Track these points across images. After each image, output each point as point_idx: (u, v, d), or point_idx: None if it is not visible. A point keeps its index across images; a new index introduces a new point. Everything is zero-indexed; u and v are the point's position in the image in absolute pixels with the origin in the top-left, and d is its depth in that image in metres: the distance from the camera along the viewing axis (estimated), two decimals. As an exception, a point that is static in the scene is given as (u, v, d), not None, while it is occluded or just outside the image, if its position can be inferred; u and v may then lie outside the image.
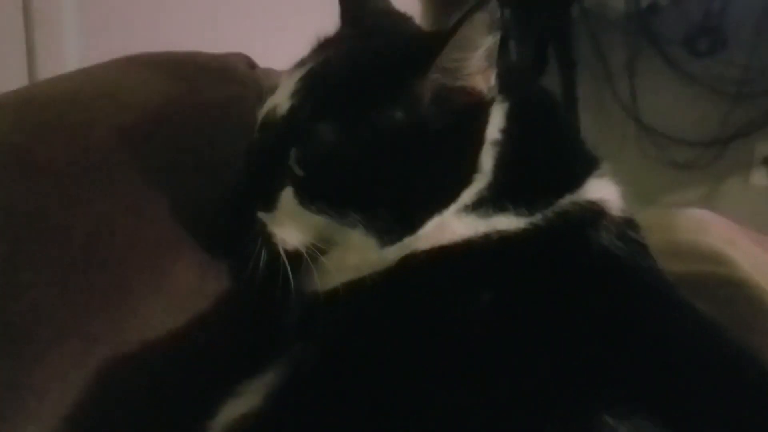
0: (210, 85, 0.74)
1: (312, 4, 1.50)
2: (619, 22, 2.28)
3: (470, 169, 0.52)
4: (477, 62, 0.50)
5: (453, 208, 0.52)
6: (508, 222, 0.51)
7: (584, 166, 0.56)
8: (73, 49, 1.08)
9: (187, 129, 0.66)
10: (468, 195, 0.52)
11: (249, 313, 0.59)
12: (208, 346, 0.58)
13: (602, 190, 0.55)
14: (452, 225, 0.52)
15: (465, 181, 0.52)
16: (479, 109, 0.52)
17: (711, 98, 2.23)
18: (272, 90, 0.58)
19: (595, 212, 0.53)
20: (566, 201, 0.53)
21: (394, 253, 0.52)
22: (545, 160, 0.55)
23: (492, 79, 0.52)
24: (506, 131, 0.53)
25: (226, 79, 0.76)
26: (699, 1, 2.15)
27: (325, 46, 0.60)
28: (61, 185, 0.55)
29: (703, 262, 0.66)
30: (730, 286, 0.63)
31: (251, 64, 0.84)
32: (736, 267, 0.64)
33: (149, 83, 0.70)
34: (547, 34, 2.23)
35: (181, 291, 0.56)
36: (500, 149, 0.52)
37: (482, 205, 0.52)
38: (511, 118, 0.53)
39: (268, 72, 0.83)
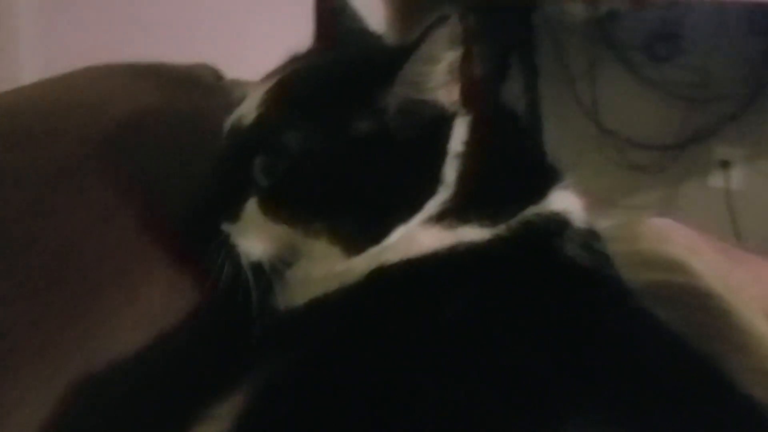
0: (177, 96, 0.73)
1: (279, 14, 1.50)
2: (580, 29, 2.32)
3: (433, 180, 0.52)
4: (440, 76, 0.50)
5: (417, 218, 0.52)
6: (473, 233, 0.52)
7: (547, 178, 0.56)
8: (31, 57, 1.05)
9: (155, 140, 0.65)
10: (432, 206, 0.52)
11: (216, 329, 0.59)
12: (179, 363, 0.58)
13: (565, 201, 0.56)
14: (419, 237, 0.52)
15: (428, 193, 0.52)
16: (442, 121, 0.52)
17: (669, 102, 2.29)
18: (240, 100, 0.58)
19: (558, 223, 0.54)
20: (530, 212, 0.53)
21: (361, 266, 0.52)
22: (507, 172, 0.56)
23: (455, 93, 0.52)
24: (469, 144, 0.53)
25: (194, 90, 0.76)
26: (656, 7, 2.20)
27: (295, 60, 0.60)
28: (27, 196, 0.54)
29: (666, 272, 0.67)
30: (692, 295, 0.64)
31: (218, 75, 0.84)
32: (698, 275, 0.66)
33: (116, 93, 0.69)
34: (510, 40, 2.26)
35: (152, 305, 0.56)
36: (463, 161, 0.53)
37: (447, 217, 0.52)
38: (474, 130, 0.54)
39: (236, 82, 0.83)
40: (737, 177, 2.31)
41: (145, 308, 0.55)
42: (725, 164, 2.30)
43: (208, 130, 0.68)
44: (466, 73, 0.53)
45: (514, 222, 0.52)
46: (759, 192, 2.29)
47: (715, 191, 2.34)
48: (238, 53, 1.10)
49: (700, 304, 0.63)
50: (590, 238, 0.55)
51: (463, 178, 0.53)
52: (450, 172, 0.52)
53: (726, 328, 0.61)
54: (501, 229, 0.52)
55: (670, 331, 0.50)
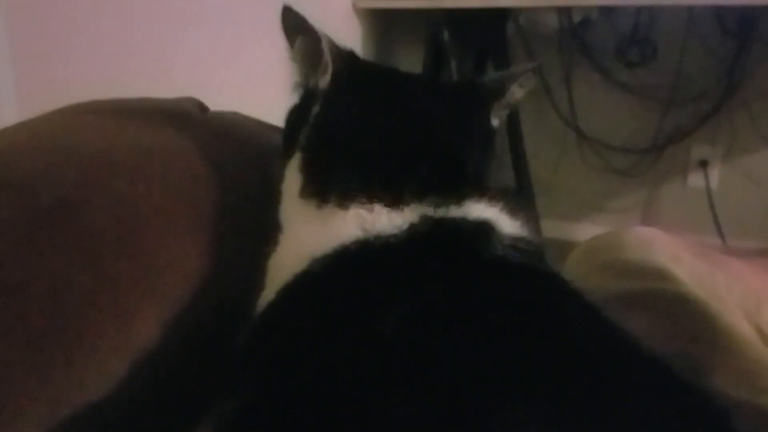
0: (161, 132, 0.73)
1: (263, 46, 1.51)
2: (553, 37, 2.35)
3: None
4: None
5: (326, 209, 0.54)
6: (383, 220, 0.52)
7: (462, 185, 0.56)
8: (10, 93, 1.05)
9: (140, 178, 0.65)
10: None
11: (212, 368, 0.59)
12: (172, 403, 0.58)
13: (488, 212, 0.55)
14: (334, 227, 0.53)
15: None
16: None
17: (645, 106, 2.32)
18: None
19: (482, 229, 0.53)
20: (444, 212, 0.53)
21: (289, 260, 0.54)
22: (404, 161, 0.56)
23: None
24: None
25: (178, 125, 0.76)
26: (628, 13, 2.23)
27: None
28: (15, 242, 0.54)
29: (649, 279, 0.68)
30: (675, 301, 0.65)
31: (203, 108, 0.84)
32: (680, 282, 0.67)
33: (99, 133, 0.69)
34: (485, 51, 2.28)
35: (144, 346, 0.56)
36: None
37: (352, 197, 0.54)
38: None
39: (220, 115, 0.84)
40: (716, 176, 2.35)
41: (138, 348, 0.56)
42: (704, 164, 2.33)
43: (192, 165, 0.69)
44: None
45: (427, 218, 0.52)
46: (738, 189, 2.33)
47: (695, 191, 2.38)
48: (222, 85, 1.11)
49: (684, 311, 0.64)
50: (521, 242, 0.54)
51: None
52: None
53: (709, 333, 0.62)
54: (413, 222, 0.52)
55: (610, 324, 0.48)
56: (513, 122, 2.33)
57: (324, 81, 0.61)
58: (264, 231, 0.63)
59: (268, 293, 0.55)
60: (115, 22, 1.16)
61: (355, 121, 0.59)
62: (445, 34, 2.11)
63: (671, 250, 0.74)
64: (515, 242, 0.53)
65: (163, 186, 0.66)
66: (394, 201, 0.53)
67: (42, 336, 0.52)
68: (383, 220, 0.52)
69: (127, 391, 0.55)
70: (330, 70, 0.60)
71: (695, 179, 2.38)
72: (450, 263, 0.49)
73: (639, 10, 2.21)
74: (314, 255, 0.52)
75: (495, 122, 0.64)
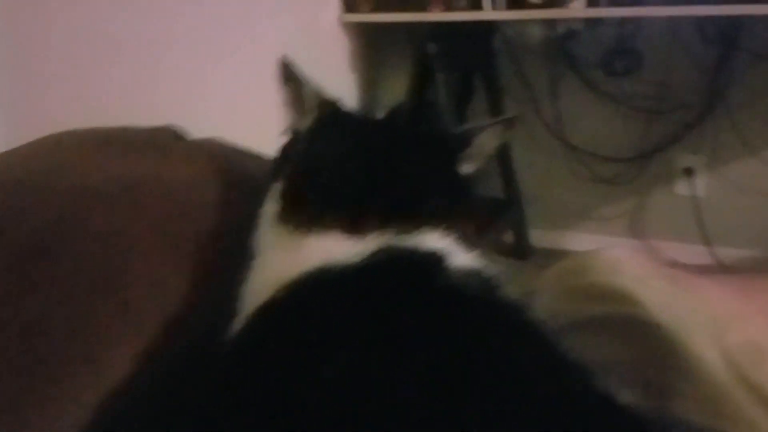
0: (139, 163, 0.75)
1: (241, 74, 1.53)
2: (539, 49, 2.37)
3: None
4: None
5: (296, 234, 0.58)
6: (338, 247, 0.55)
7: (415, 215, 0.59)
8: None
9: (116, 212, 0.66)
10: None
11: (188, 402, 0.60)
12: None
13: (441, 242, 0.58)
14: (301, 253, 0.56)
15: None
16: None
17: (630, 115, 2.34)
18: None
19: (434, 259, 0.56)
20: (396, 241, 0.56)
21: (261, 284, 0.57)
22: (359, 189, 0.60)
23: None
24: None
25: (156, 155, 0.78)
26: (612, 25, 2.25)
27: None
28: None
29: (616, 304, 0.69)
30: (642, 326, 0.66)
31: (181, 136, 0.86)
32: (645, 307, 0.68)
33: (76, 166, 0.71)
34: (472, 64, 2.30)
35: (118, 382, 0.57)
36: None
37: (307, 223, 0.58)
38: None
39: (198, 143, 0.85)
40: (701, 183, 2.37)
41: (112, 384, 0.57)
42: (689, 172, 2.35)
43: (169, 196, 0.70)
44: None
45: (381, 246, 0.55)
46: (723, 196, 2.34)
47: (681, 199, 2.39)
48: (200, 113, 1.12)
49: (649, 335, 0.65)
50: (471, 273, 0.56)
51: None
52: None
53: (672, 358, 0.63)
54: (368, 249, 0.55)
55: (557, 356, 0.49)
56: (500, 133, 2.34)
57: (306, 123, 0.68)
58: (243, 258, 0.64)
59: (239, 320, 0.57)
60: (95, 48, 1.17)
61: (328, 159, 0.64)
62: (432, 48, 2.13)
63: (639, 272, 0.75)
64: (467, 273, 0.54)
65: (140, 219, 0.67)
66: (354, 230, 0.56)
67: (17, 374, 0.53)
68: (343, 248, 0.55)
69: (100, 425, 0.56)
70: (312, 115, 0.68)
71: (681, 187, 2.39)
72: (400, 293, 0.51)
73: (623, 21, 2.23)
74: (282, 281, 0.54)
75: (466, 168, 0.67)
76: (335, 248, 0.55)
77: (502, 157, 2.36)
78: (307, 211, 0.59)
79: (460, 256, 0.57)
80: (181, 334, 0.63)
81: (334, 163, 0.63)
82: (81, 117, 0.84)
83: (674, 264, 2.43)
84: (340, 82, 2.18)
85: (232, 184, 0.77)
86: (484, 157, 0.67)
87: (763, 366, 0.71)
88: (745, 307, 0.75)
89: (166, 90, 1.33)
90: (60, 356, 0.55)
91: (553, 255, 2.44)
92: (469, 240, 0.60)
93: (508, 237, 2.51)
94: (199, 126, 0.88)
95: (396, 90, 2.35)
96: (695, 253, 2.39)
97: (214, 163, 0.79)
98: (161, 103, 1.24)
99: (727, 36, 2.16)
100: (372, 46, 2.32)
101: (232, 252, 0.67)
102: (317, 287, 0.53)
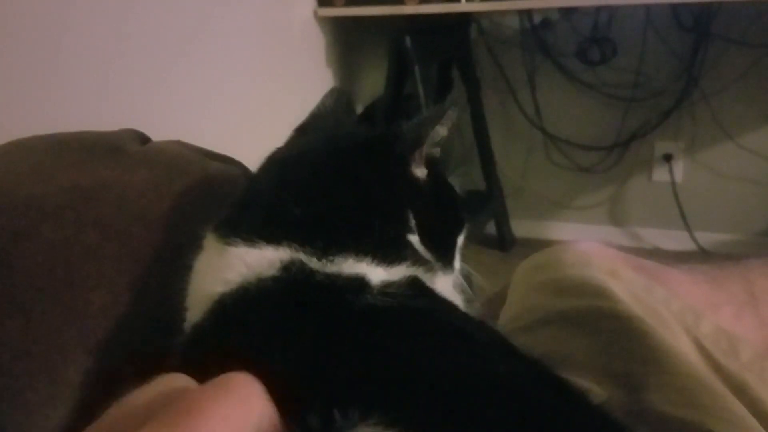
0: (97, 169, 0.73)
1: (206, 73, 1.51)
2: (515, 39, 2.37)
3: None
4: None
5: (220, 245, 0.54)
6: (261, 259, 0.52)
7: (335, 239, 0.53)
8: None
9: (70, 221, 0.65)
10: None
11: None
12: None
13: (363, 268, 0.52)
14: (225, 264, 0.53)
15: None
16: None
17: (608, 103, 2.35)
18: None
19: (354, 283, 0.51)
20: (312, 263, 0.51)
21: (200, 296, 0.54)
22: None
23: None
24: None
25: (115, 160, 0.76)
26: (587, 13, 2.25)
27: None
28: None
29: (586, 297, 0.69)
30: (612, 319, 0.66)
31: (143, 139, 0.84)
32: (617, 299, 0.67)
33: (33, 174, 0.69)
34: (450, 56, 2.29)
35: (76, 395, 0.56)
36: None
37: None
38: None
39: (160, 146, 0.83)
40: (680, 169, 2.38)
41: (71, 399, 0.56)
42: (668, 158, 2.36)
43: (127, 202, 0.69)
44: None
45: (300, 263, 0.51)
46: (702, 182, 2.36)
47: (660, 185, 2.41)
48: (165, 113, 1.11)
49: (621, 328, 0.65)
50: (389, 286, 0.51)
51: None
52: None
53: (644, 350, 0.62)
54: (288, 266, 0.51)
55: (485, 361, 0.46)
56: (480, 125, 2.34)
57: None
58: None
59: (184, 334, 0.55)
60: (57, 52, 1.15)
61: (269, 170, 0.63)
62: (408, 41, 2.12)
63: (609, 265, 0.74)
64: (389, 290, 0.50)
65: (95, 227, 0.65)
66: (274, 243, 0.52)
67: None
68: (264, 262, 0.52)
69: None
70: None
71: (660, 173, 2.40)
72: (316, 308, 0.48)
73: (598, 10, 2.23)
74: (212, 294, 0.52)
75: (419, 172, 0.61)
76: (256, 262, 0.52)
77: (482, 149, 2.35)
78: (233, 223, 0.55)
79: (377, 272, 0.52)
80: (136, 345, 0.62)
81: (268, 175, 0.62)
82: (42, 124, 0.83)
83: (655, 250, 2.44)
84: (316, 77, 2.16)
85: (194, 188, 0.75)
86: (438, 145, 0.63)
87: (735, 354, 0.71)
88: (715, 296, 0.75)
89: (131, 92, 1.31)
90: (15, 370, 0.54)
91: (537, 245, 2.45)
92: (433, 247, 0.57)
93: (491, 228, 2.51)
94: (167, 128, 0.87)
95: (373, 84, 2.33)
96: (676, 239, 2.40)
97: (175, 167, 0.77)
98: (126, 106, 1.22)
99: (701, 23, 2.17)
100: (348, 41, 2.30)
101: (189, 260, 0.66)
102: (236, 303, 0.49)
